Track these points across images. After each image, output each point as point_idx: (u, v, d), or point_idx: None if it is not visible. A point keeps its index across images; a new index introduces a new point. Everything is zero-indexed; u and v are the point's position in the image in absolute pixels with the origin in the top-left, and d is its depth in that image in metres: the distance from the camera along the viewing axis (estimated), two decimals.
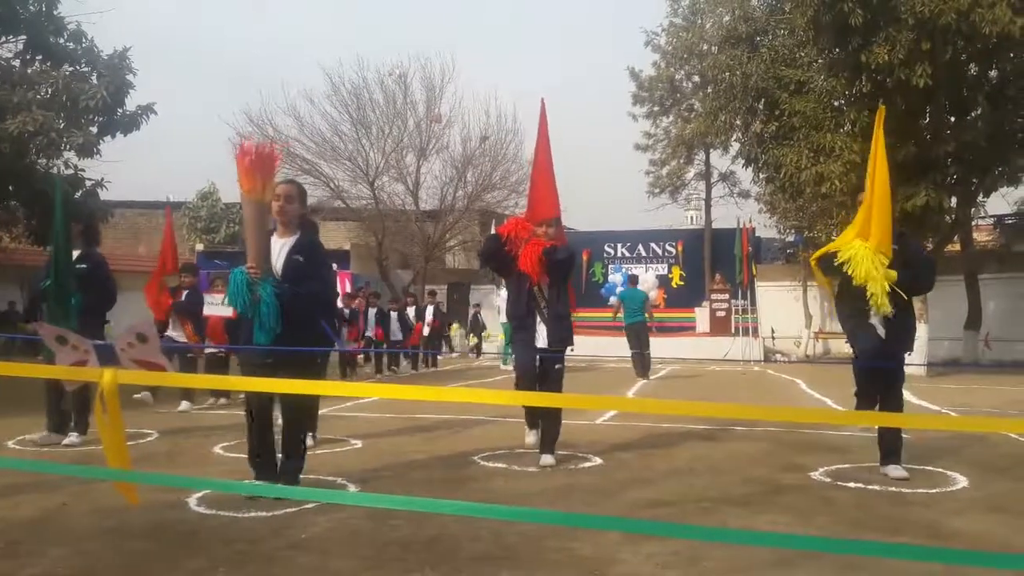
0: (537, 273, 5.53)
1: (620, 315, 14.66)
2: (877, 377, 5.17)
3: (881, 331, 5.00)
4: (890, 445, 5.07)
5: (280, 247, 4.45)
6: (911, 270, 4.98)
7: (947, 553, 2.39)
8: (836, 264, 4.95)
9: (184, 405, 8.78)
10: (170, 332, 9.25)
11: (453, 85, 30.64)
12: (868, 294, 4.81)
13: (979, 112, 14.88)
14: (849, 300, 5.07)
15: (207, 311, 8.95)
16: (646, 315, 14.29)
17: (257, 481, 4.48)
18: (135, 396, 8.64)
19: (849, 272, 4.84)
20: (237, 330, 5.13)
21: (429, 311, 16.87)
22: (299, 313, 4.33)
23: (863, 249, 4.83)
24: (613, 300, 16.83)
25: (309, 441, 5.78)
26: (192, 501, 4.40)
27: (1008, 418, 8.11)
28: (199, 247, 28.07)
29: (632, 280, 15.71)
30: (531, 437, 5.76)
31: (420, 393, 1.65)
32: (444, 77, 25.60)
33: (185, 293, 9.27)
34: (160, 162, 50.11)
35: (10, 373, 1.67)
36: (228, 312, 8.16)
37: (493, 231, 6.08)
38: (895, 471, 4.97)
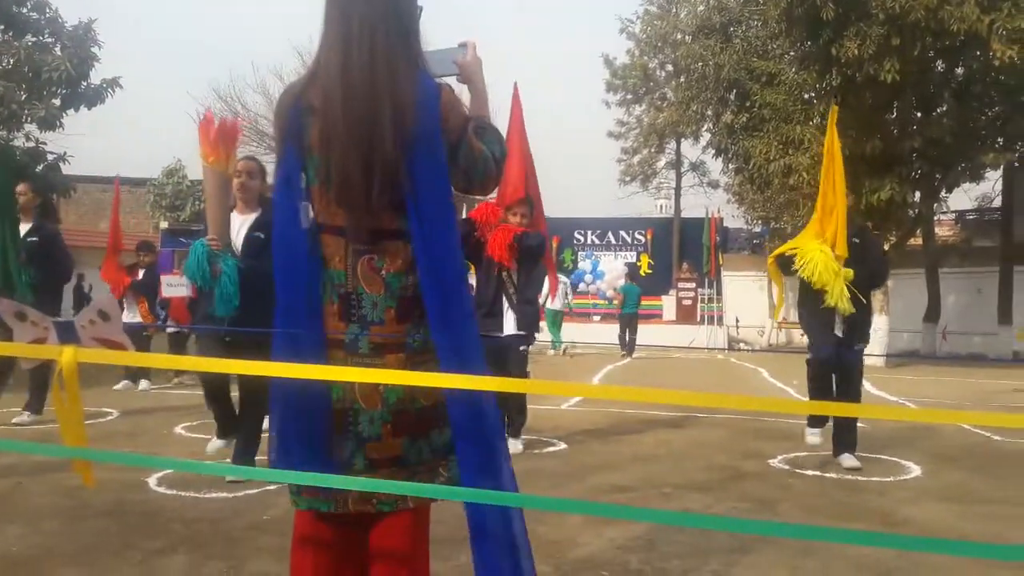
0: (506, 259, 5.51)
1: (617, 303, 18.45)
2: (831, 379, 5.24)
3: (840, 329, 5.08)
4: (845, 438, 5.17)
5: (240, 224, 4.36)
6: (868, 267, 5.07)
7: (898, 539, 2.46)
8: (794, 268, 4.99)
9: (143, 384, 8.69)
10: (125, 312, 9.10)
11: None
12: (830, 297, 4.87)
13: (945, 108, 15.13)
14: (810, 300, 5.12)
15: (166, 292, 8.80)
16: (637, 308, 17.77)
17: (223, 438, 4.46)
18: (139, 389, 8.56)
19: (806, 276, 4.89)
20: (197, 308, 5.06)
21: None
22: (258, 291, 4.25)
23: (819, 252, 4.88)
24: (613, 293, 21.12)
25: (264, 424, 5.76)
26: (152, 481, 4.37)
27: (963, 411, 8.32)
28: (164, 224, 27.54)
29: (629, 276, 19.21)
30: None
31: (386, 377, 1.66)
32: None
33: (142, 272, 9.12)
34: (126, 137, 49.06)
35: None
36: (187, 292, 8.07)
37: (464, 215, 6.04)
38: (848, 460, 5.08)
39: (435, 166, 1.76)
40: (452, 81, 2.10)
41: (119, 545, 3.28)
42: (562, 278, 18.00)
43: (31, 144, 14.55)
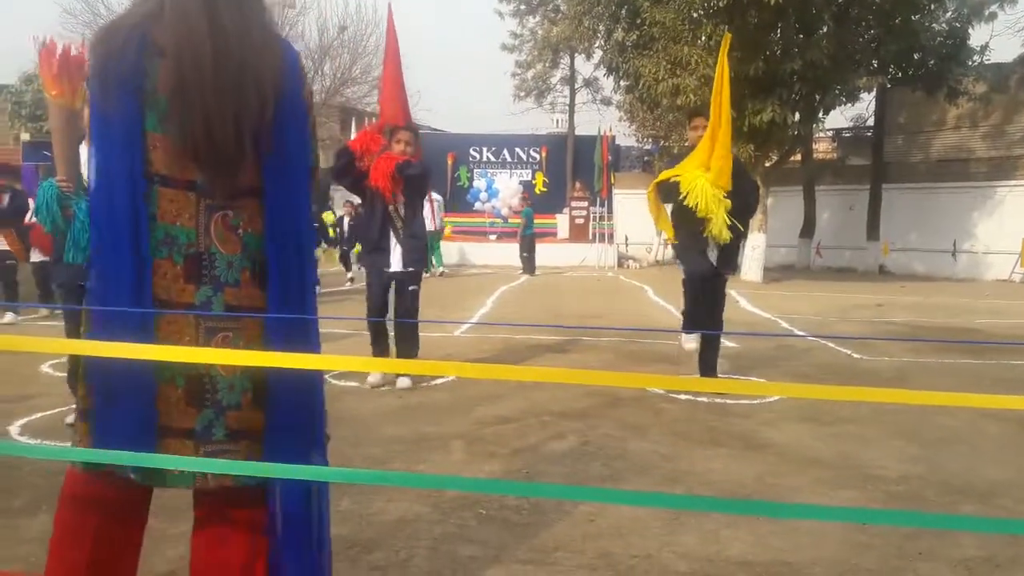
0: (389, 190, 5.34)
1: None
2: (705, 298, 5.47)
3: (714, 256, 5.28)
4: (709, 363, 5.49)
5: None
6: (743, 198, 5.24)
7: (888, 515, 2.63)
8: (679, 196, 5.09)
9: (8, 317, 8.18)
10: None
11: None
12: (711, 226, 5.03)
13: (825, 31, 15.54)
14: (686, 227, 5.27)
15: (32, 218, 8.24)
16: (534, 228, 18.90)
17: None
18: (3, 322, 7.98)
19: (691, 205, 5.01)
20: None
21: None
22: None
23: (704, 181, 5.00)
24: (508, 212, 23.31)
25: None
26: (14, 430, 4.17)
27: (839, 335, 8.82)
28: (25, 136, 25.52)
29: (526, 200, 20.57)
30: (375, 377, 5.49)
31: (251, 359, 1.58)
32: None
33: (7, 197, 8.47)
34: None
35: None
36: None
37: (343, 145, 5.81)
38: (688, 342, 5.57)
39: (298, 123, 1.68)
40: None
41: None
42: (434, 196, 17.69)
43: None
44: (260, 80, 1.62)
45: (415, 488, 3.34)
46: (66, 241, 3.79)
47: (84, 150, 4.05)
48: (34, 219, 8.12)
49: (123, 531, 1.73)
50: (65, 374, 4.49)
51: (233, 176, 1.64)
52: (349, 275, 14.43)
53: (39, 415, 4.51)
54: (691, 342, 5.59)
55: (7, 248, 8.47)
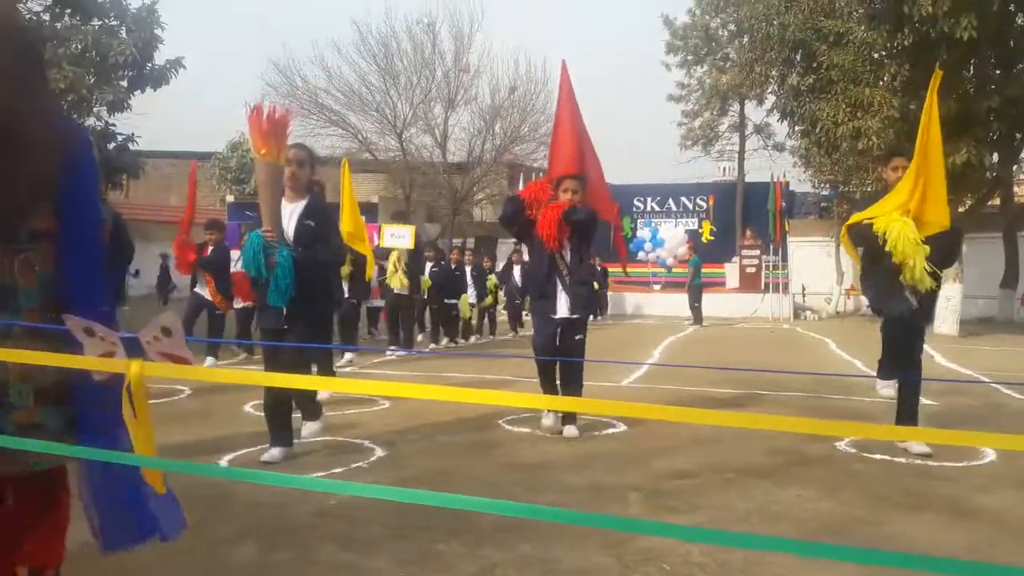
0: (555, 238, 5.41)
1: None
2: (904, 342, 5.07)
3: (913, 303, 4.90)
4: (910, 410, 4.96)
5: (291, 212, 4.44)
6: (944, 242, 4.83)
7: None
8: (877, 238, 4.75)
9: (209, 361, 8.95)
10: (197, 288, 9.42)
11: (481, 34, 30.50)
12: (908, 272, 4.67)
13: None
14: (879, 273, 4.92)
15: (236, 267, 9.03)
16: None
17: (272, 440, 4.59)
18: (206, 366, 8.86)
19: (889, 248, 4.67)
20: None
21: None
22: (312, 278, 4.38)
23: (901, 224, 4.66)
24: (673, 261, 23.36)
25: (324, 395, 5.87)
26: (223, 463, 4.51)
27: None
28: (229, 198, 28.27)
29: (693, 250, 20.15)
30: (548, 419, 5.50)
31: (432, 393, 1.64)
32: (472, 25, 25.30)
33: (211, 249, 9.36)
34: (190, 111, 50.26)
35: (32, 361, 1.70)
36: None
37: (513, 194, 6.00)
38: (917, 447, 4.84)
39: (88, 181, 1.94)
40: None
41: (187, 531, 3.38)
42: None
43: (100, 125, 14.97)
44: (42, 145, 1.87)
45: (596, 538, 3.29)
46: (268, 287, 4.11)
47: (283, 204, 4.43)
48: (239, 267, 8.96)
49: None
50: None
51: (18, 222, 1.89)
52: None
53: (243, 451, 4.86)
54: (888, 388, 5.16)
55: (210, 297, 9.32)
